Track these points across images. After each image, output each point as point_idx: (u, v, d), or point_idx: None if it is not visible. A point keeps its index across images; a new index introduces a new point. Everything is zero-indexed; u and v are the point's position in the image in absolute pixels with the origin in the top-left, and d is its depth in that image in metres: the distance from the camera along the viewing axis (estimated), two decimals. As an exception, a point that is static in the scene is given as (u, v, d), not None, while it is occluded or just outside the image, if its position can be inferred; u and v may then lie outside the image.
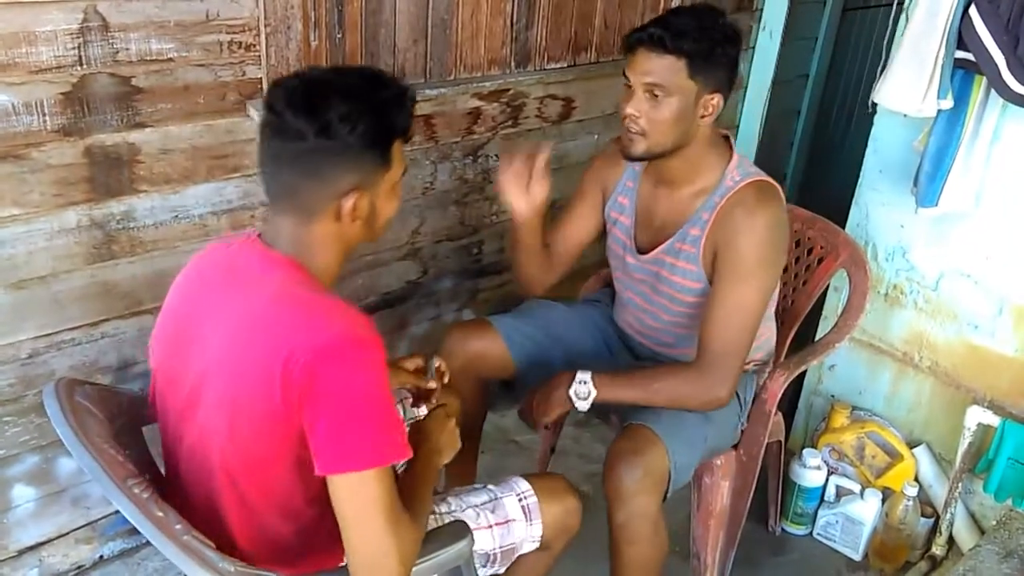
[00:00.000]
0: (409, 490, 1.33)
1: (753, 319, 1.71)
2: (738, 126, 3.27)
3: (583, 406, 1.75)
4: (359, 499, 1.18)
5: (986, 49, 1.89)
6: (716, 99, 1.68)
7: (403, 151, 1.30)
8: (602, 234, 1.99)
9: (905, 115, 2.09)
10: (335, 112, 1.18)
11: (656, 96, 1.65)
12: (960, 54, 1.94)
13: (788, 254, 2.18)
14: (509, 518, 1.54)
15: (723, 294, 1.71)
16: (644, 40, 1.64)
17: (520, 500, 1.57)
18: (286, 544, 1.29)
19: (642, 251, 1.87)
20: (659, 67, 1.64)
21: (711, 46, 1.64)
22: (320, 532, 1.29)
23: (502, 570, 1.57)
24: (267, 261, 1.26)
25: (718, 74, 1.67)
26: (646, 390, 1.75)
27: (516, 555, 1.57)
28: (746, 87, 3.22)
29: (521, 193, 1.79)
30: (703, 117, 1.69)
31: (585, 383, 1.74)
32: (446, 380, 1.67)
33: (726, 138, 1.82)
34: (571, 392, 1.74)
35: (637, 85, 1.66)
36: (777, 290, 1.86)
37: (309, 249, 1.26)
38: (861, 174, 2.40)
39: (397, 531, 1.19)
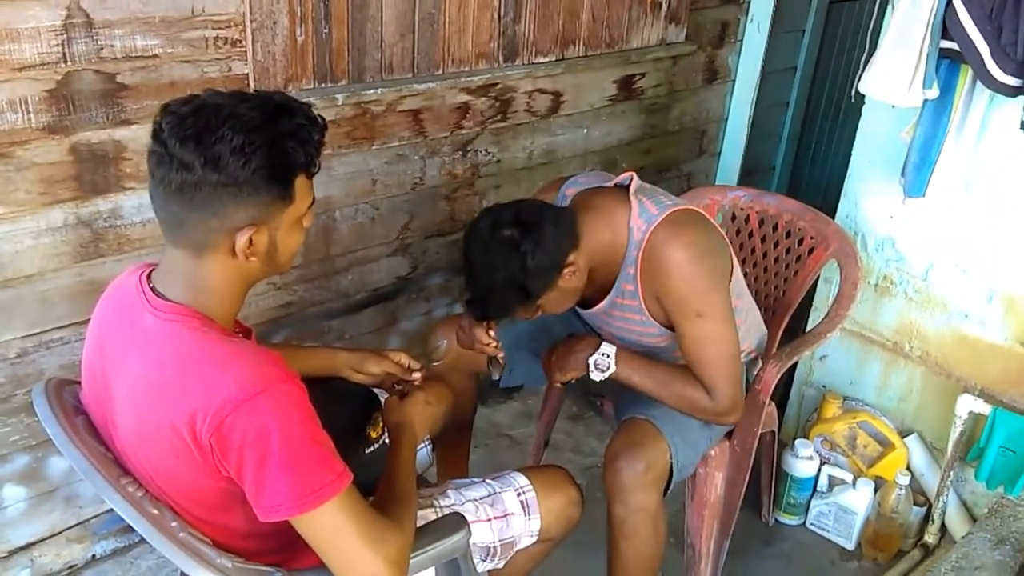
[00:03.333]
0: (389, 485, 1.32)
1: (724, 345, 1.69)
2: (726, 118, 3.26)
3: (598, 377, 1.73)
4: (322, 532, 1.15)
5: (970, 38, 1.89)
6: (568, 268, 1.64)
7: (311, 183, 1.21)
8: None
9: (893, 106, 2.09)
10: (226, 144, 1.09)
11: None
12: (945, 43, 1.94)
13: (776, 247, 2.19)
14: (508, 512, 1.54)
15: (684, 334, 1.68)
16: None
17: (519, 495, 1.57)
18: (272, 546, 1.28)
19: (586, 306, 1.84)
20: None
21: (502, 300, 1.64)
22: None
23: (501, 564, 1.57)
24: (156, 314, 1.17)
25: (533, 284, 1.62)
26: (663, 389, 1.73)
27: (515, 549, 1.57)
28: (734, 80, 3.21)
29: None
30: (573, 274, 1.66)
31: (608, 356, 1.73)
32: (415, 376, 1.61)
33: (628, 182, 1.75)
34: (592, 360, 1.73)
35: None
36: (736, 280, 1.81)
37: (202, 289, 1.18)
38: (850, 165, 2.41)
39: (377, 544, 1.15)
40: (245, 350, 1.16)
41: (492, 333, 1.76)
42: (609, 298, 1.77)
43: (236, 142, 1.10)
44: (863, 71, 2.07)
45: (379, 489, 1.32)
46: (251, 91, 1.17)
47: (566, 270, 1.64)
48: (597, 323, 1.88)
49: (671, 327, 1.74)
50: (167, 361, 1.15)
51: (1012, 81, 1.87)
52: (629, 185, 1.75)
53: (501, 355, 1.79)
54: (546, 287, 1.64)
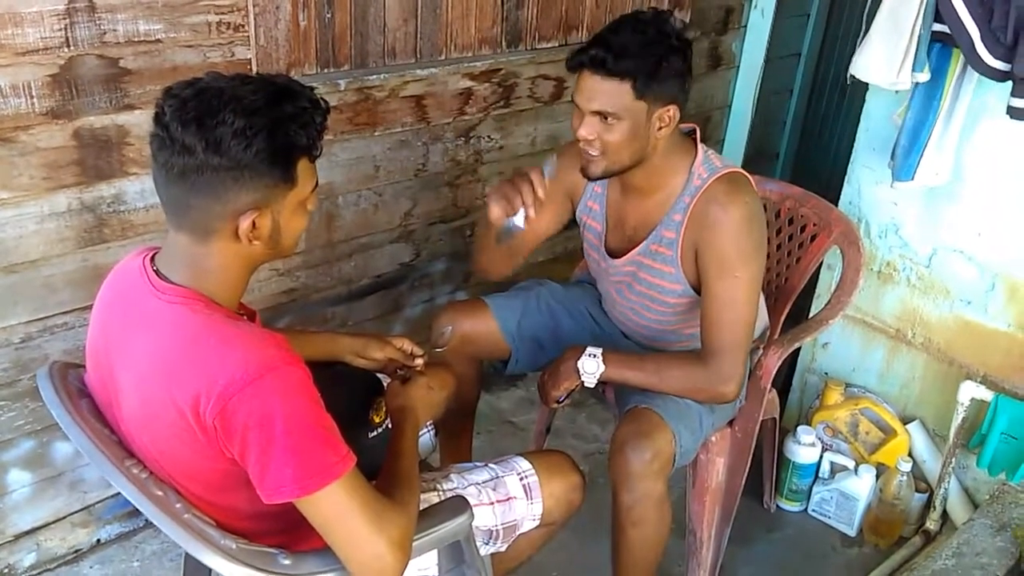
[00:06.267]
0: (391, 469, 1.32)
1: (746, 312, 1.70)
2: (730, 105, 3.26)
3: (590, 380, 1.74)
4: (326, 514, 1.15)
5: (961, 21, 1.87)
6: (671, 111, 1.63)
7: (314, 167, 1.21)
8: (566, 228, 1.97)
9: (896, 91, 2.09)
10: (227, 127, 1.09)
11: (607, 119, 1.61)
12: (937, 27, 1.94)
13: (778, 233, 2.19)
14: (510, 496, 1.55)
15: (713, 292, 1.69)
16: (586, 63, 1.59)
17: (521, 479, 1.57)
18: (276, 528, 1.29)
19: (615, 255, 1.86)
20: (604, 91, 1.58)
21: (656, 62, 1.57)
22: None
23: (504, 547, 1.57)
24: (161, 297, 1.18)
25: (668, 87, 1.60)
26: (654, 377, 1.74)
27: (517, 533, 1.58)
28: (738, 66, 3.20)
29: (505, 205, 1.64)
30: (660, 129, 1.65)
31: (594, 357, 1.73)
32: (417, 362, 1.61)
33: (691, 132, 1.78)
34: (579, 364, 1.73)
35: (585, 109, 1.62)
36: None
37: (206, 272, 1.19)
38: (853, 151, 2.40)
39: (381, 526, 1.16)
40: (250, 332, 1.17)
41: (545, 178, 1.64)
42: (645, 244, 1.78)
43: (238, 125, 1.10)
44: (855, 54, 2.06)
45: (382, 472, 1.32)
46: (255, 74, 1.18)
47: (669, 109, 1.63)
48: (620, 279, 1.87)
49: (696, 289, 1.75)
50: (172, 343, 1.15)
51: (1000, 65, 1.86)
52: (693, 134, 1.78)
53: (530, 212, 1.62)
54: (670, 91, 1.61)
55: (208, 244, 1.18)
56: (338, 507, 1.14)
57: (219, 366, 1.11)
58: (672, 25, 1.63)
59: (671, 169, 1.74)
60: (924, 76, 1.98)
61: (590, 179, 1.73)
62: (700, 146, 1.76)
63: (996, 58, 1.86)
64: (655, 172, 1.73)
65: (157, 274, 1.21)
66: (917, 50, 1.95)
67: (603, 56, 1.56)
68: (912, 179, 2.11)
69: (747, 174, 1.77)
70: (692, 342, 1.83)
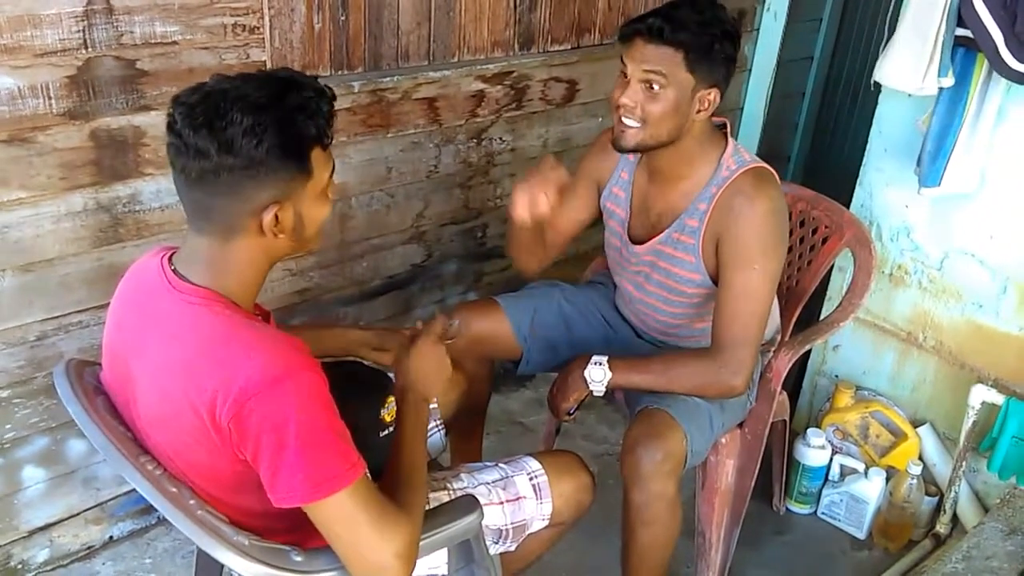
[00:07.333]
0: (395, 463, 1.32)
1: (762, 306, 1.71)
2: (743, 107, 3.26)
3: (598, 388, 1.75)
4: (333, 520, 1.16)
5: (984, 26, 1.88)
6: (713, 94, 1.66)
7: (328, 154, 1.22)
8: (596, 221, 1.99)
9: (909, 95, 2.09)
10: (237, 127, 1.11)
11: (653, 87, 1.62)
12: (960, 31, 1.94)
13: (791, 235, 2.19)
14: (520, 495, 1.55)
15: (730, 283, 1.70)
16: (642, 31, 1.61)
17: (531, 479, 1.58)
18: (287, 526, 1.29)
19: (637, 242, 1.87)
20: (657, 56, 1.61)
21: (710, 41, 1.61)
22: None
23: (513, 547, 1.58)
24: (180, 297, 1.19)
25: (716, 69, 1.64)
26: (662, 377, 1.75)
27: (526, 532, 1.58)
28: (751, 68, 3.20)
29: (527, 203, 1.67)
30: (699, 112, 1.67)
31: (600, 365, 1.74)
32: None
33: (722, 125, 1.80)
34: (585, 373, 1.74)
35: (634, 74, 1.63)
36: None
37: (226, 272, 1.20)
38: (866, 154, 2.40)
39: (385, 533, 1.16)
40: (268, 336, 1.18)
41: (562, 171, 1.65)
42: (667, 233, 1.79)
43: (246, 123, 1.11)
44: (879, 60, 2.06)
45: (387, 467, 1.32)
46: (256, 71, 1.21)
47: (711, 92, 1.66)
48: (639, 268, 1.88)
49: (715, 280, 1.76)
50: (191, 344, 1.16)
51: (1025, 69, 1.86)
52: (725, 128, 1.80)
53: (552, 198, 1.64)
54: (717, 74, 1.65)
55: (232, 243, 1.19)
56: (345, 514, 1.15)
57: (237, 368, 1.12)
58: (727, 13, 1.67)
59: (702, 157, 1.75)
60: (949, 81, 1.98)
61: (622, 151, 1.73)
62: (730, 139, 1.77)
63: (1021, 61, 1.86)
64: (685, 157, 1.74)
65: (176, 274, 1.22)
66: (941, 55, 1.94)
67: (661, 25, 1.60)
68: (939, 185, 2.11)
69: (774, 171, 1.78)
70: (703, 338, 1.83)
